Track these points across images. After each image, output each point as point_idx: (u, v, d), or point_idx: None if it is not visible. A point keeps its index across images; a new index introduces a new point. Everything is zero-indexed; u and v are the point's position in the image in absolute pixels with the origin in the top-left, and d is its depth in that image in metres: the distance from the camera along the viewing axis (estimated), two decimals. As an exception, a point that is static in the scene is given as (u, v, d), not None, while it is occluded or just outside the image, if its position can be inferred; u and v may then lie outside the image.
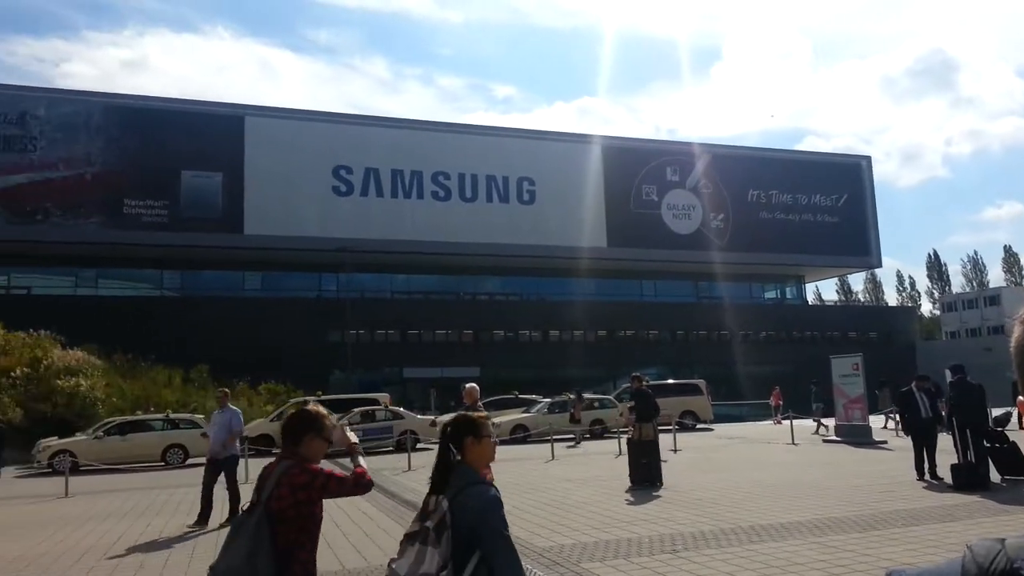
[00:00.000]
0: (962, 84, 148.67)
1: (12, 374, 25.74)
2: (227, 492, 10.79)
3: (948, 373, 14.10)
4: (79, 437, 21.36)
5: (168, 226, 41.56)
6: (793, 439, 20.34)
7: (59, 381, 25.95)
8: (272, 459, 3.44)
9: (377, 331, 44.64)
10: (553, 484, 13.64)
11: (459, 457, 3.04)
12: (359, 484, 3.35)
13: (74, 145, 40.89)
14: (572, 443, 23.03)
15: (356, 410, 24.60)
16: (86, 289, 42.77)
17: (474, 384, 10.18)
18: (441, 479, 2.99)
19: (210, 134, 42.84)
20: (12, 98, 40.56)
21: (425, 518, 2.94)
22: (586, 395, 27.55)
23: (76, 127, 40.98)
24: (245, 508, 3.22)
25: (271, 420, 24.22)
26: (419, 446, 23.56)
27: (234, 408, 11.66)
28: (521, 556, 7.85)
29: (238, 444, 11.75)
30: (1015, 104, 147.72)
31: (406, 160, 46.79)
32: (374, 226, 44.84)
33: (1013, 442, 11.79)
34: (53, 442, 20.76)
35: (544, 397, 29.23)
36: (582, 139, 52.52)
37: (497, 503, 2.93)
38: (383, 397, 27.41)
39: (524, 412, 27.03)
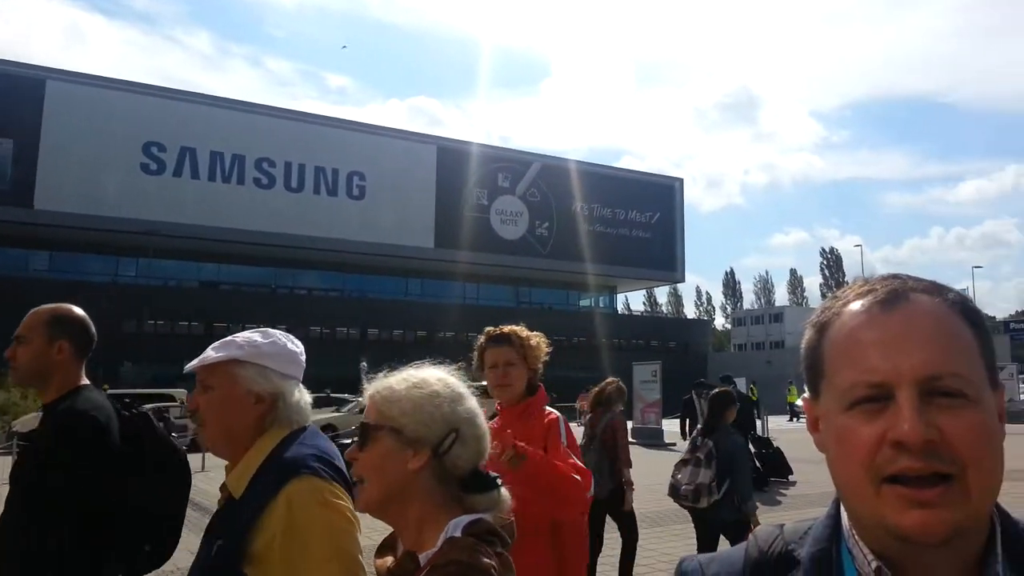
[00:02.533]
0: (763, 120, 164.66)
1: None
2: None
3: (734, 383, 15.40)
4: None
5: (-61, 192, 36.55)
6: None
7: None
8: None
9: (179, 322, 41.82)
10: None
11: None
12: None
13: None
14: None
15: (147, 407, 22.84)
16: None
17: None
18: (708, 429, 5.58)
19: (3, 96, 38.11)
20: None
21: (695, 450, 5.44)
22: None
23: None
24: None
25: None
26: (221, 444, 22.40)
27: None
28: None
29: None
30: (806, 142, 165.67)
31: (228, 143, 44.16)
32: (186, 210, 41.97)
33: (777, 447, 13.31)
34: None
35: (356, 396, 28.75)
36: (417, 138, 52.29)
37: (744, 446, 5.77)
38: (180, 394, 25.73)
39: (334, 411, 26.48)
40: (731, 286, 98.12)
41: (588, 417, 6.37)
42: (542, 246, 54.18)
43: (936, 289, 0.77)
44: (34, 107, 39.06)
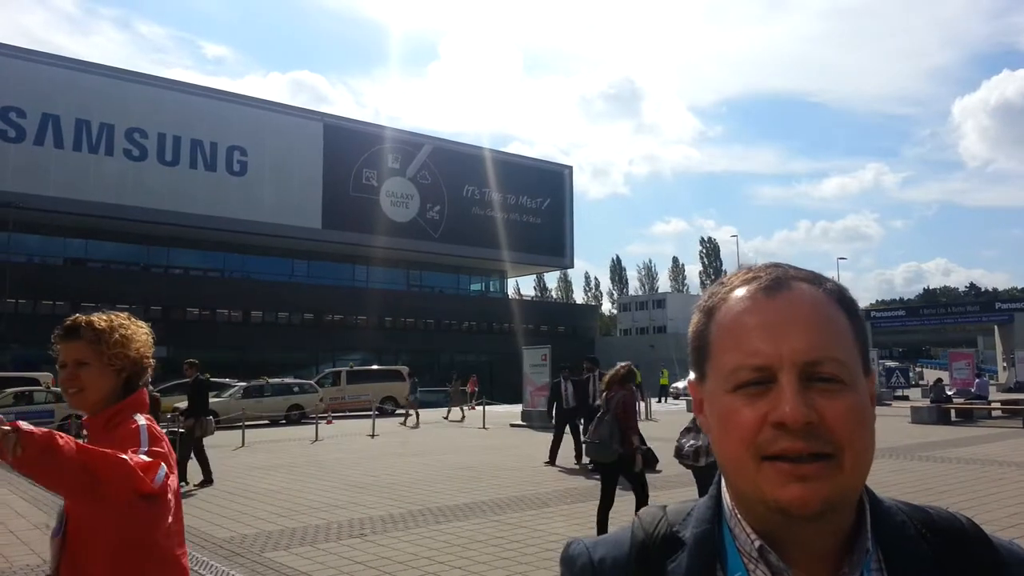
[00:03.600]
0: (645, 112, 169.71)
1: None
2: None
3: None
4: None
5: None
6: (484, 423, 21.53)
7: None
8: None
9: (43, 301, 38.88)
10: (241, 471, 12.94)
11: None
12: None
13: None
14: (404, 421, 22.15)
15: (9, 391, 21.23)
16: None
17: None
18: None
19: None
20: None
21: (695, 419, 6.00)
22: (287, 380, 26.68)
23: None
24: None
25: None
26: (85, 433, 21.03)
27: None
28: (199, 549, 7.27)
29: None
30: (685, 135, 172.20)
31: (95, 111, 41.12)
32: (50, 181, 38.93)
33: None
34: None
35: (238, 381, 27.66)
36: (303, 114, 50.51)
37: None
38: (45, 377, 24.00)
39: (216, 396, 25.33)
40: (617, 272, 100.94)
41: (604, 394, 7.60)
42: (433, 229, 53.74)
43: (815, 278, 0.81)
44: None
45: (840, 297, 0.79)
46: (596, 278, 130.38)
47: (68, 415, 19.87)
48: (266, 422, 24.04)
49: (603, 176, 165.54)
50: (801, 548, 0.76)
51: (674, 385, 37.98)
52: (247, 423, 19.25)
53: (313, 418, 22.08)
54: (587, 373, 13.54)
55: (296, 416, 25.17)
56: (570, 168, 65.31)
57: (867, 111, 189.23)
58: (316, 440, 18.75)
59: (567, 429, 13.63)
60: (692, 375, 0.83)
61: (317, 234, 48.29)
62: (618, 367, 7.71)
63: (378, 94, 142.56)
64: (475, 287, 62.67)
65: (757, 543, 0.77)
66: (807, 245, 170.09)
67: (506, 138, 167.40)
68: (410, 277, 56.07)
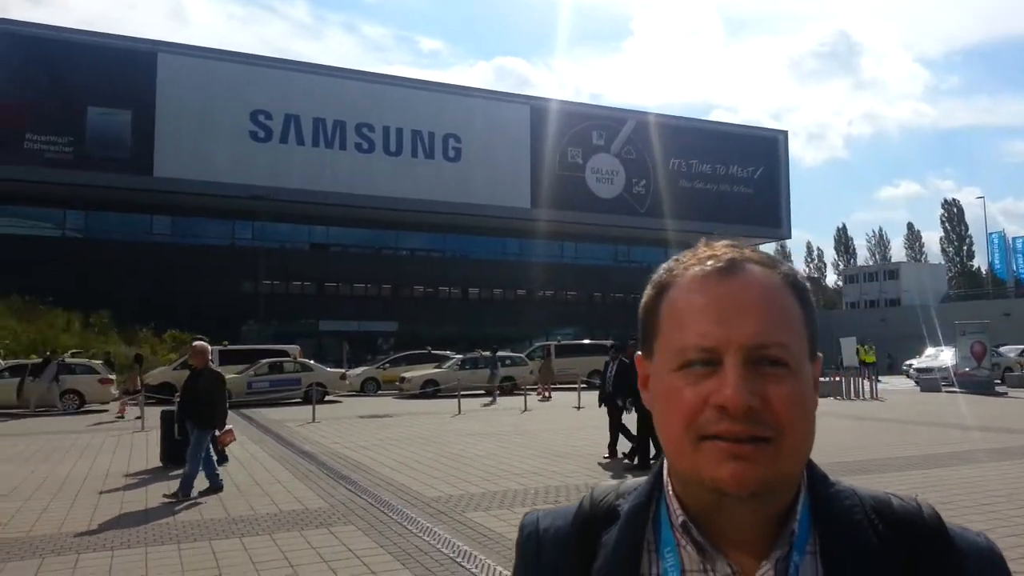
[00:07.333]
0: (864, 68, 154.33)
1: None
2: None
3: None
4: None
5: (73, 164, 39.37)
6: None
7: (-54, 322, 24.65)
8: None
9: (293, 282, 43.87)
10: (455, 438, 13.91)
11: None
12: None
13: (-32, 73, 38.12)
14: (493, 400, 23.45)
15: (263, 361, 24.30)
16: (-20, 226, 40.39)
17: (202, 342, 9.42)
18: None
19: (120, 70, 40.51)
20: None
21: None
22: (500, 352, 27.97)
23: (-30, 54, 38.16)
24: None
25: (174, 368, 23.72)
26: (327, 398, 23.58)
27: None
28: (409, 506, 8.05)
29: None
30: (913, 89, 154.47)
31: (329, 109, 45.53)
32: (293, 175, 43.68)
33: None
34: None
35: (456, 353, 29.48)
36: (509, 98, 52.20)
37: None
38: (293, 349, 27.11)
39: (436, 368, 27.26)
40: (843, 242, 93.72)
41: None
42: (639, 204, 53.33)
43: (770, 262, 0.81)
44: (148, 79, 41.34)
45: (793, 282, 0.80)
46: (819, 249, 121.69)
47: (312, 382, 22.43)
48: (482, 392, 25.46)
49: (818, 140, 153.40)
50: (734, 528, 0.77)
51: (906, 363, 34.57)
52: (462, 393, 20.51)
53: (524, 390, 23.04)
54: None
55: (509, 387, 26.43)
56: (784, 133, 61.52)
57: None
58: (525, 410, 19.63)
59: (623, 415, 11.30)
60: (639, 351, 0.88)
61: (526, 213, 49.84)
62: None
63: (578, 73, 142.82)
64: (684, 262, 61.18)
65: (681, 518, 0.79)
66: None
67: (707, 107, 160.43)
68: (617, 252, 56.12)
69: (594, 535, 0.85)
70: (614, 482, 0.93)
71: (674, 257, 0.85)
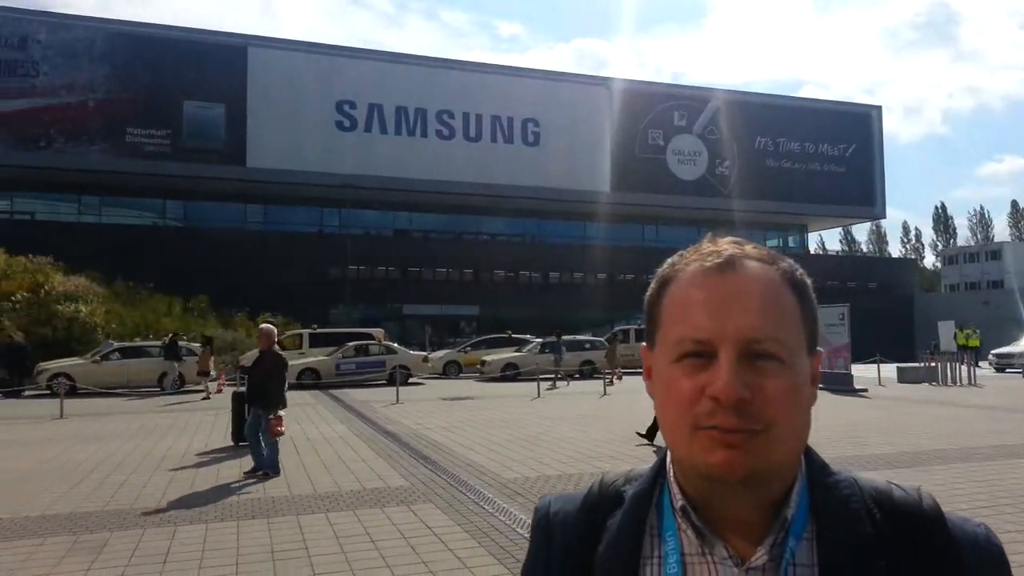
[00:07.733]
0: (964, 38, 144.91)
1: (13, 298, 26.15)
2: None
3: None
4: (76, 361, 21.87)
5: (171, 156, 41.45)
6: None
7: (59, 306, 26.38)
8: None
9: (378, 267, 44.92)
10: (534, 421, 14.06)
11: None
12: None
13: (77, 72, 40.45)
14: (554, 384, 23.52)
15: (350, 344, 25.07)
16: (89, 216, 42.95)
17: (269, 325, 9.65)
18: None
19: (213, 64, 42.33)
20: (12, 21, 39.99)
21: None
22: (578, 337, 27.97)
23: (78, 53, 40.49)
24: None
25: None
26: (410, 380, 24.15)
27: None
28: (487, 487, 8.21)
29: None
30: (1019, 59, 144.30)
31: (411, 97, 46.26)
32: (378, 163, 44.65)
33: None
34: (51, 365, 21.28)
35: (536, 337, 29.64)
36: (588, 80, 51.68)
37: None
38: (378, 332, 27.84)
39: (515, 351, 27.48)
40: (942, 221, 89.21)
41: None
42: (723, 186, 52.04)
43: (770, 258, 0.85)
44: (239, 73, 42.98)
45: (791, 278, 0.83)
46: (917, 228, 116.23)
47: (396, 365, 23.03)
48: (562, 376, 25.55)
49: (915, 115, 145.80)
50: (730, 513, 0.80)
51: (1001, 350, 28.66)
52: (541, 376, 20.63)
53: (603, 374, 22.99)
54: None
55: (588, 371, 26.42)
56: (878, 108, 58.75)
57: None
58: (604, 395, 19.62)
59: None
60: (644, 342, 0.92)
61: (607, 196, 49.40)
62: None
63: (658, 53, 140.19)
64: (771, 242, 59.55)
65: (680, 503, 0.83)
66: None
67: (798, 84, 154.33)
68: (701, 234, 53.63)
69: (600, 519, 0.89)
70: (625, 468, 0.98)
71: (679, 252, 0.89)
